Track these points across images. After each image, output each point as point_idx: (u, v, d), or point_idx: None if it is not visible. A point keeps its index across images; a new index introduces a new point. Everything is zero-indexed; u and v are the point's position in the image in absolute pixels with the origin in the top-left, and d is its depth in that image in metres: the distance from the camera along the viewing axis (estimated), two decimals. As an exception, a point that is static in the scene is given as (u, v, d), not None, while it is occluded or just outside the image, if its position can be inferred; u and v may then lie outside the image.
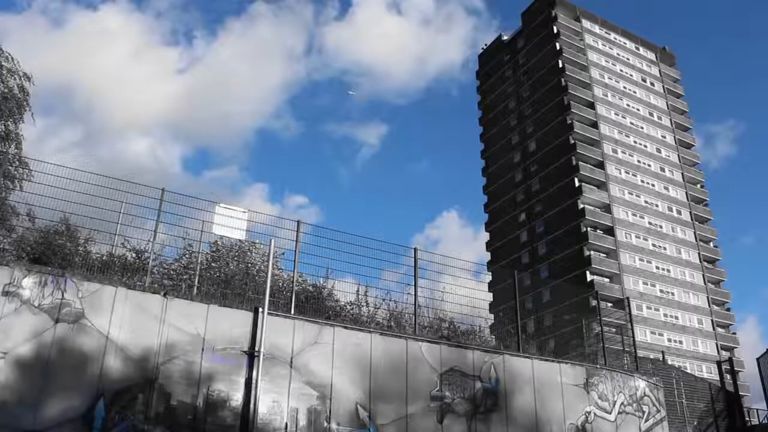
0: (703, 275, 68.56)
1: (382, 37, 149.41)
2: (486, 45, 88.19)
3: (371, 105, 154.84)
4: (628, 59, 78.01)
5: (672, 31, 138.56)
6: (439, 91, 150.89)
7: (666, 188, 71.31)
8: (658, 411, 15.33)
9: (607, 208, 64.84)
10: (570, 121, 67.99)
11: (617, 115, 72.16)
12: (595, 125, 68.98)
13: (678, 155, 74.99)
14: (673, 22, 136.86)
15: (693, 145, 78.40)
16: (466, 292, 13.68)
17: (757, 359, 20.57)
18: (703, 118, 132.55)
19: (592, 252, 61.59)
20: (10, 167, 14.70)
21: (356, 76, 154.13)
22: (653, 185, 70.24)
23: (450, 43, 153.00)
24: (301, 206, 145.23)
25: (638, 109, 74.63)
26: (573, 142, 66.84)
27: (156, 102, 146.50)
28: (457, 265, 14.12)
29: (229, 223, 11.39)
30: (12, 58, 17.19)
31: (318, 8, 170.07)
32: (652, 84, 78.71)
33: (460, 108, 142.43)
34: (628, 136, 71.66)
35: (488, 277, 19.10)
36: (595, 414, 13.76)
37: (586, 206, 63.70)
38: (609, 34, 78.49)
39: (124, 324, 9.48)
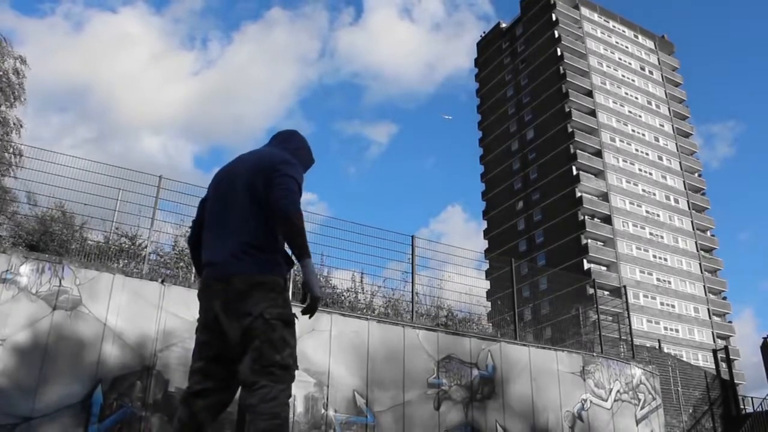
0: (700, 264, 68.76)
1: (394, 42, 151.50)
2: (484, 32, 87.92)
3: (380, 108, 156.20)
4: (626, 47, 77.79)
5: (672, 22, 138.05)
6: (447, 97, 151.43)
7: (664, 177, 71.34)
8: (654, 399, 15.42)
9: (604, 197, 64.90)
10: (568, 110, 67.89)
11: (615, 103, 72.06)
12: (593, 113, 68.90)
13: (676, 144, 74.97)
14: (672, 13, 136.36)
15: (691, 134, 78.34)
16: (463, 280, 13.73)
17: (761, 347, 20.74)
18: (704, 118, 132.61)
19: (589, 240, 61.70)
20: (5, 153, 14.61)
21: (367, 80, 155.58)
22: (651, 174, 70.27)
23: (459, 50, 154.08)
24: (311, 203, 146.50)
25: (636, 98, 74.52)
26: (571, 130, 66.78)
27: (170, 103, 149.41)
28: (455, 254, 14.17)
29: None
30: (5, 39, 16.97)
31: (333, 15, 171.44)
32: (651, 72, 78.55)
33: (467, 111, 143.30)
34: (626, 125, 71.60)
35: (487, 266, 19.13)
36: (591, 401, 13.83)
37: (584, 195, 63.74)
38: (608, 22, 78.22)
39: (122, 311, 9.48)
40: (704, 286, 67.70)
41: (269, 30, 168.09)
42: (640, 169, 69.60)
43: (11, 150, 15.03)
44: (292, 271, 3.49)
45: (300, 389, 10.44)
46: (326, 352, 10.90)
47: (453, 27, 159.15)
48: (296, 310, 3.06)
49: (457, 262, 14.01)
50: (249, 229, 3.08)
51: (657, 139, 73.47)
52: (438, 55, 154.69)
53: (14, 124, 16.87)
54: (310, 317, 3.04)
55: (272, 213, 3.02)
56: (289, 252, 3.20)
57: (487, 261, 22.96)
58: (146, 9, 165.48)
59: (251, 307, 2.94)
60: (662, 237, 67.01)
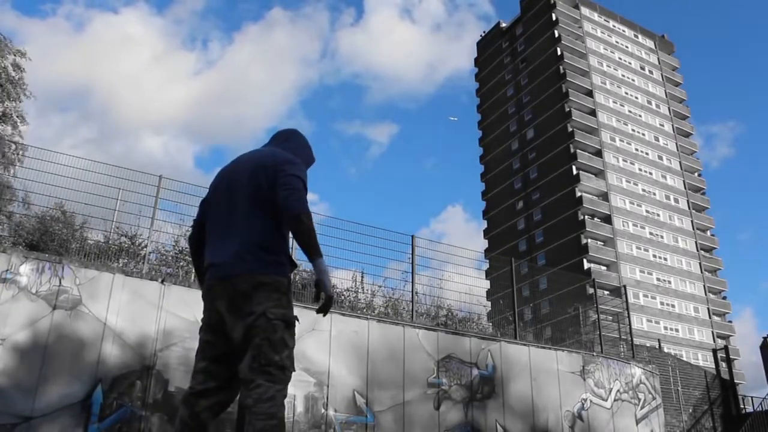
0: (700, 264, 68.74)
1: (394, 43, 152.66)
2: (484, 32, 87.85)
3: (380, 108, 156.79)
4: (626, 47, 77.76)
5: (672, 22, 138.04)
6: (447, 97, 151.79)
7: (664, 176, 71.31)
8: (654, 398, 15.42)
9: (604, 197, 64.88)
10: (568, 109, 67.87)
11: (615, 103, 72.04)
12: (593, 113, 68.87)
13: (676, 144, 74.94)
14: (672, 13, 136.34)
15: (691, 134, 78.29)
16: (463, 280, 13.73)
17: (761, 347, 20.74)
18: (704, 118, 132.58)
19: (589, 240, 61.69)
20: (6, 150, 14.58)
21: (368, 80, 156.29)
22: (651, 173, 70.25)
23: (460, 50, 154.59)
24: (312, 203, 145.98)
25: (636, 97, 74.49)
26: (571, 130, 66.76)
27: (171, 103, 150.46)
28: (455, 254, 14.17)
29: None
30: (5, 37, 16.88)
31: (334, 15, 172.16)
32: (651, 72, 78.51)
33: (468, 111, 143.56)
34: (626, 125, 71.59)
35: (487, 266, 19.14)
36: (591, 401, 13.83)
37: (584, 194, 63.72)
38: (608, 21, 78.19)
39: (122, 311, 9.48)
40: (704, 285, 67.69)
41: (270, 30, 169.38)
42: (640, 169, 69.59)
43: (13, 148, 15.00)
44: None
45: (300, 389, 10.45)
46: (326, 351, 10.90)
47: (453, 27, 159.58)
48: (297, 310, 3.08)
49: (457, 261, 14.02)
50: (252, 230, 3.09)
51: (657, 139, 73.45)
52: (438, 56, 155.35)
53: (18, 117, 16.81)
54: (323, 316, 3.05)
55: (280, 213, 3.04)
56: (290, 253, 3.21)
57: (487, 261, 22.95)
58: (147, 10, 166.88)
59: (255, 306, 2.95)
60: (662, 237, 67.00)
